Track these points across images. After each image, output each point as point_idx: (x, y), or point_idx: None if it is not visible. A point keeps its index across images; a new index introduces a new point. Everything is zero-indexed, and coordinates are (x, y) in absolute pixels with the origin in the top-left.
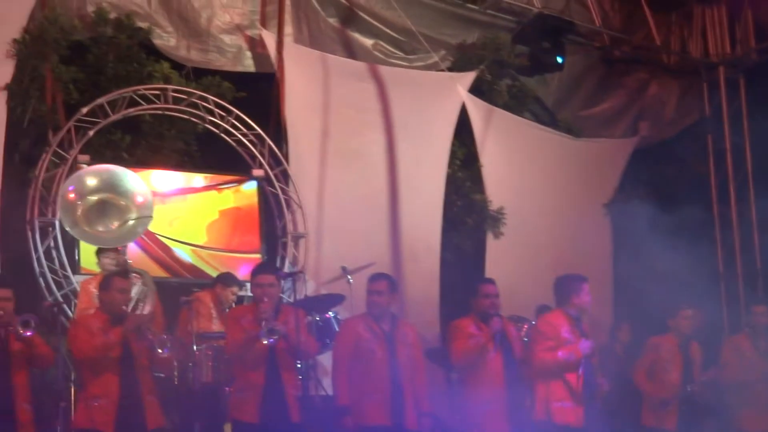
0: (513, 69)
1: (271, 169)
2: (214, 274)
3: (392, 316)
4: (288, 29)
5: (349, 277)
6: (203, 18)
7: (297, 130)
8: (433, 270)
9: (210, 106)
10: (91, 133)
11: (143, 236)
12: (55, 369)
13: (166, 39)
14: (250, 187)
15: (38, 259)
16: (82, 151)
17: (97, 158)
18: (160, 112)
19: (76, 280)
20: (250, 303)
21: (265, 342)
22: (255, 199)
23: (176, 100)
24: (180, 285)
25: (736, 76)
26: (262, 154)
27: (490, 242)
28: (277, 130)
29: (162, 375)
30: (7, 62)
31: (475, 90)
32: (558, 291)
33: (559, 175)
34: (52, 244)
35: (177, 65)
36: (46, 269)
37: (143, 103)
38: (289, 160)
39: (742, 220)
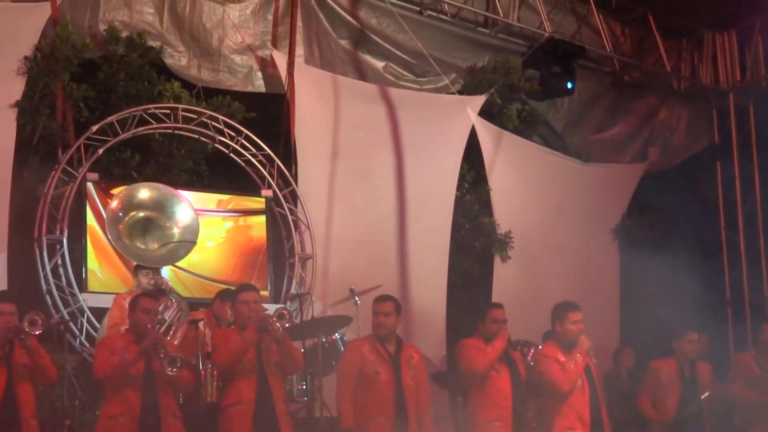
0: (523, 93)
1: (280, 189)
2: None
3: (397, 338)
4: (299, 50)
5: (356, 298)
6: (215, 38)
7: (306, 150)
8: (440, 293)
9: (220, 126)
10: (100, 151)
11: None
12: (61, 387)
13: (177, 58)
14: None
15: (45, 276)
16: (91, 169)
17: (106, 176)
18: (170, 131)
19: (82, 297)
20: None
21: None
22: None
23: (186, 120)
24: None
25: (746, 103)
26: (271, 175)
27: (498, 266)
28: (287, 151)
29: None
30: (18, 79)
31: (485, 113)
32: (551, 319)
33: (568, 199)
34: (59, 261)
35: (187, 85)
36: (53, 287)
37: (153, 122)
38: (297, 180)
39: (749, 247)
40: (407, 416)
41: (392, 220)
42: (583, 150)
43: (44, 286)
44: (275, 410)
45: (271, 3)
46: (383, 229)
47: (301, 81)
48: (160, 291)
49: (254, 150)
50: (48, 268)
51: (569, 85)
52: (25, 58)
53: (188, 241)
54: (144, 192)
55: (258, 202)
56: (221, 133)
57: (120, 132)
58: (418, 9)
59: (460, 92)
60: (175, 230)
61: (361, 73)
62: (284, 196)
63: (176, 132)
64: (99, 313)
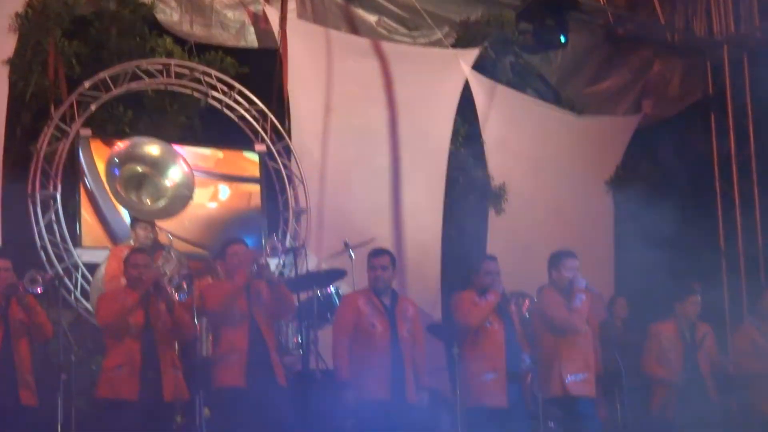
0: (517, 46)
1: (273, 144)
2: None
3: (393, 291)
4: (291, 5)
5: (351, 252)
6: None
7: (299, 105)
8: (435, 246)
9: (213, 81)
10: (93, 107)
11: None
12: (56, 342)
13: (169, 14)
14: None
15: (39, 232)
16: (84, 125)
17: (98, 132)
18: (162, 87)
19: (77, 253)
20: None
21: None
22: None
23: (179, 75)
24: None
25: (740, 54)
26: (265, 129)
27: (492, 219)
28: (280, 106)
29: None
30: (10, 36)
31: (479, 67)
32: (547, 268)
33: (562, 152)
34: (53, 217)
35: (180, 40)
36: (47, 242)
37: (146, 77)
38: (291, 135)
39: (743, 198)
40: (403, 369)
41: (386, 173)
42: (577, 103)
43: (38, 242)
44: (271, 358)
45: None
46: (377, 182)
47: (293, 36)
48: (157, 245)
49: (247, 105)
50: (42, 223)
51: (563, 39)
52: (17, 14)
53: (183, 196)
54: (149, 147)
55: (253, 163)
56: (214, 88)
57: (112, 88)
58: None
59: (454, 46)
60: (169, 185)
61: (354, 27)
62: (278, 151)
63: (169, 87)
64: (93, 268)
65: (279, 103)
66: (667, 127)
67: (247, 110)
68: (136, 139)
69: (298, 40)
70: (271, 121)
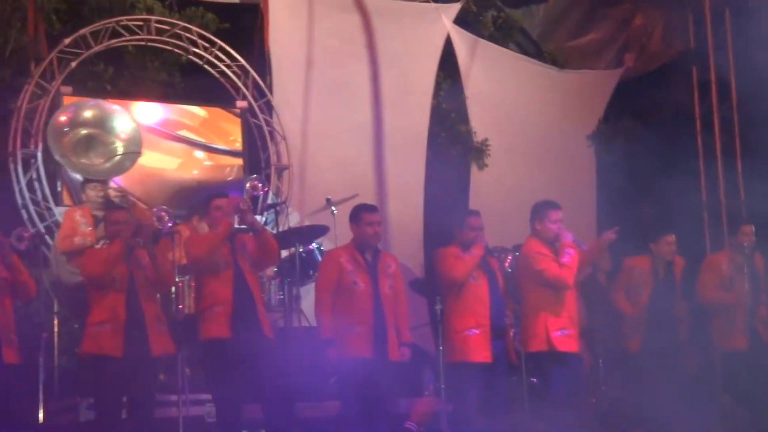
0: (498, 0)
1: (255, 100)
2: None
3: (375, 247)
4: None
5: (333, 208)
6: None
7: (281, 61)
8: (417, 201)
9: (193, 38)
10: (73, 64)
11: None
12: (37, 300)
13: None
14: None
15: (20, 190)
16: (64, 83)
17: (79, 89)
18: (143, 43)
19: (58, 211)
20: None
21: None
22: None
23: (159, 32)
24: None
25: (722, 7)
26: (246, 86)
27: (475, 174)
28: (261, 62)
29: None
30: None
31: (461, 21)
32: (530, 219)
33: (544, 106)
34: (34, 176)
35: None
36: (28, 201)
37: (126, 34)
38: (273, 91)
39: (725, 151)
40: (385, 325)
41: (368, 129)
42: (559, 57)
43: (19, 201)
44: (257, 310)
45: None
46: (359, 138)
47: None
48: (110, 203)
49: (228, 61)
50: (23, 182)
51: None
52: None
53: (133, 152)
54: (87, 111)
55: (236, 125)
56: (195, 44)
57: (93, 45)
58: None
59: (435, 0)
60: (118, 143)
61: None
62: (259, 107)
63: (149, 44)
64: None
65: (260, 59)
66: (649, 81)
67: (228, 66)
68: (74, 105)
69: None
70: (253, 78)
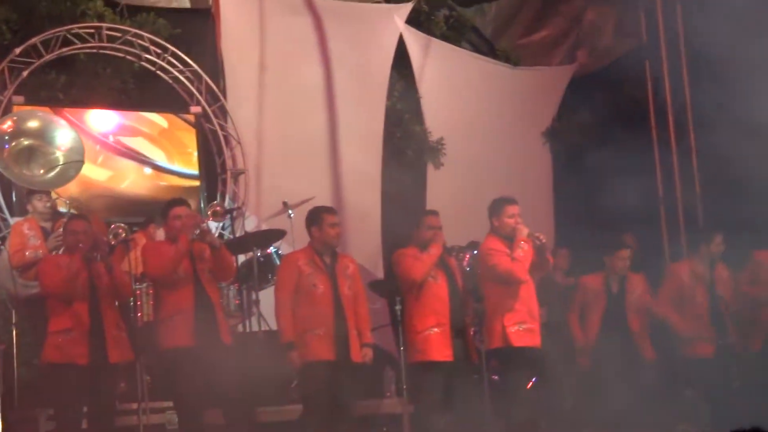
0: None
1: (209, 105)
2: None
3: (333, 249)
4: None
5: (290, 211)
6: None
7: (234, 65)
8: (374, 202)
9: (145, 44)
10: (24, 74)
11: None
12: None
13: None
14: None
15: None
16: (16, 92)
17: (31, 99)
18: (94, 50)
19: (13, 221)
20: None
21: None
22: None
23: (111, 39)
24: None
25: (673, 1)
26: (200, 91)
27: (431, 173)
28: (214, 67)
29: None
30: None
31: (413, 21)
32: (488, 215)
33: (499, 104)
34: None
35: (111, 2)
36: None
37: (77, 42)
38: (226, 95)
39: (680, 145)
40: (346, 327)
41: (323, 131)
42: (512, 54)
43: None
44: (216, 319)
45: None
46: (314, 141)
47: None
48: (57, 213)
49: (181, 66)
50: None
51: None
52: None
53: (75, 161)
54: (28, 122)
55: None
56: (147, 50)
57: (44, 53)
58: None
59: (387, 0)
60: (58, 154)
61: None
62: (213, 112)
63: (101, 51)
64: None
65: (213, 63)
66: (602, 76)
67: (181, 72)
68: (17, 115)
69: (230, 0)
70: (206, 82)
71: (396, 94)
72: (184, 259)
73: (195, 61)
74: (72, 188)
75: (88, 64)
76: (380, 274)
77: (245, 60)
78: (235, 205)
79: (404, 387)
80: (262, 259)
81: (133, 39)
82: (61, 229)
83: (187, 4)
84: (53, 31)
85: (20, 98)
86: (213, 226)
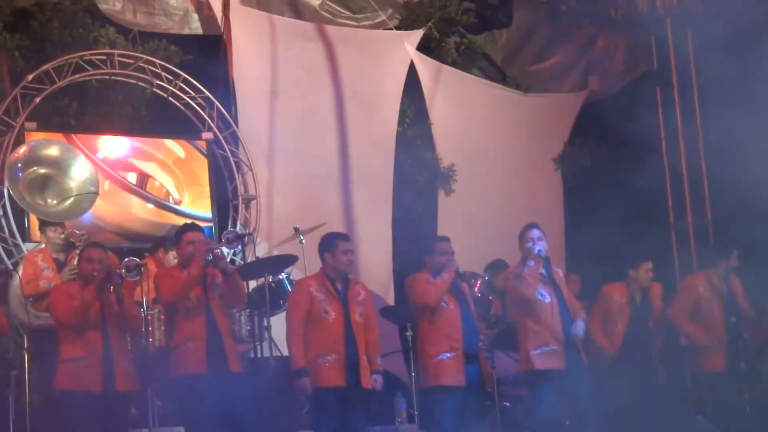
0: (461, 26)
1: (220, 131)
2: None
3: (345, 275)
4: None
5: (301, 237)
6: None
7: (245, 92)
8: (386, 228)
9: (157, 70)
10: (37, 100)
11: None
12: (7, 337)
13: (112, 3)
14: None
15: None
16: (28, 119)
17: (44, 125)
18: (106, 77)
19: (26, 248)
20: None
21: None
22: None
23: (123, 65)
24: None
25: (684, 28)
26: (211, 117)
27: (442, 200)
28: (226, 93)
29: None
30: None
31: (423, 48)
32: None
33: (509, 130)
34: (0, 212)
35: (123, 30)
36: None
37: (89, 68)
38: (238, 122)
39: (691, 172)
40: (357, 353)
41: (334, 157)
42: (523, 81)
43: None
44: (224, 345)
45: None
46: (326, 167)
47: (237, 22)
48: (70, 244)
49: (193, 93)
50: None
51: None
52: None
53: (90, 192)
54: (49, 149)
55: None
56: (159, 77)
57: (56, 80)
58: None
59: (398, 27)
60: (73, 185)
61: (298, 11)
62: (225, 138)
63: (113, 78)
64: None
65: (225, 90)
66: (613, 103)
67: (192, 98)
68: (35, 143)
69: (242, 27)
70: (218, 109)
71: (407, 121)
72: (196, 285)
73: (207, 88)
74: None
75: (101, 90)
76: (391, 300)
77: (257, 86)
78: (247, 231)
79: (416, 413)
80: (273, 284)
81: (145, 65)
82: (75, 261)
83: (199, 31)
84: (65, 57)
85: (32, 124)
86: (225, 251)
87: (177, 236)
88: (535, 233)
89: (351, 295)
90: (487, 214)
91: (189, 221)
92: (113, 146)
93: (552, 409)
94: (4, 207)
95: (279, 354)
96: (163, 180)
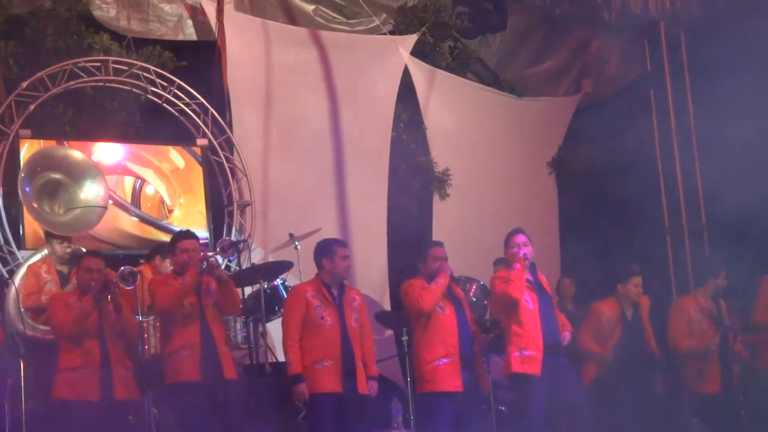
0: (455, 30)
1: (215, 137)
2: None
3: (341, 281)
4: None
5: (296, 243)
6: None
7: (240, 97)
8: (381, 233)
9: (151, 77)
10: (32, 107)
11: None
12: (3, 346)
13: (106, 10)
14: None
15: None
16: (23, 126)
17: (39, 132)
18: (101, 84)
19: (21, 255)
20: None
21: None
22: None
23: (117, 72)
24: (125, 257)
25: (677, 31)
26: (206, 123)
27: (437, 204)
28: (220, 99)
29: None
30: None
31: (417, 52)
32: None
33: (504, 134)
34: None
35: (117, 36)
36: None
37: (84, 75)
38: (232, 128)
39: (685, 175)
40: (353, 358)
41: (329, 163)
42: (517, 85)
43: None
44: (218, 352)
45: None
46: (320, 172)
47: (231, 28)
48: (75, 257)
49: (187, 99)
50: None
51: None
52: None
53: (98, 206)
54: (66, 158)
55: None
56: (153, 83)
57: (51, 87)
58: None
59: (392, 32)
60: (82, 196)
61: (292, 17)
62: (220, 144)
63: (108, 84)
64: None
65: (219, 96)
66: (608, 106)
67: (187, 104)
68: (55, 149)
69: (236, 33)
70: (212, 115)
71: (401, 125)
72: (190, 293)
73: (201, 94)
74: None
75: (95, 97)
76: (387, 305)
77: (251, 92)
78: (242, 237)
79: (411, 418)
80: (268, 291)
81: (140, 72)
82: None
83: (193, 37)
84: (60, 64)
85: (27, 132)
86: (219, 258)
87: (172, 244)
88: (520, 238)
89: (346, 300)
90: (482, 218)
91: (184, 230)
92: (108, 152)
93: (538, 412)
94: None
95: (275, 360)
96: (158, 186)
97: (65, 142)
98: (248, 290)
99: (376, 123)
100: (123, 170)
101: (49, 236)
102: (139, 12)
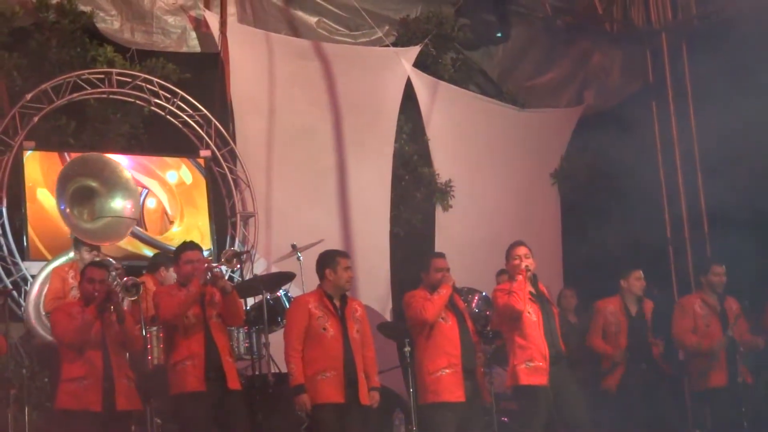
0: (457, 42)
1: (218, 149)
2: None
3: (344, 292)
4: (231, 9)
5: (299, 254)
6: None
7: (243, 109)
8: (383, 245)
9: (155, 89)
10: (35, 119)
11: None
12: (7, 356)
13: (110, 22)
14: None
15: None
16: (27, 138)
17: (42, 144)
18: (104, 95)
19: (25, 266)
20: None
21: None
22: None
23: (121, 84)
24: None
25: (679, 42)
26: (209, 135)
27: (439, 215)
28: (223, 110)
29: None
30: None
31: (420, 64)
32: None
33: (506, 145)
34: None
35: (121, 48)
36: None
37: (87, 87)
38: (236, 139)
39: (687, 185)
40: (355, 369)
41: (332, 174)
42: (520, 96)
43: None
44: (222, 363)
45: None
46: (323, 184)
47: (234, 40)
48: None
49: (191, 111)
50: None
51: (498, 34)
52: None
53: (126, 218)
54: (105, 168)
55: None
56: (156, 95)
57: (54, 99)
58: None
59: (394, 44)
60: (112, 206)
61: (295, 29)
62: (223, 156)
63: (111, 96)
64: None
65: (222, 107)
66: (610, 117)
67: (190, 116)
68: (100, 159)
69: (239, 45)
70: (216, 126)
71: (404, 137)
72: (194, 304)
73: (204, 106)
74: None
75: (99, 109)
76: (389, 316)
77: (254, 104)
78: (245, 249)
79: (414, 429)
80: (271, 302)
81: (143, 84)
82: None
83: (196, 49)
84: (64, 76)
85: (31, 143)
86: (223, 269)
87: (176, 255)
88: (521, 250)
89: (348, 311)
90: (485, 229)
91: (188, 241)
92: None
93: (540, 423)
94: (2, 226)
95: (278, 371)
96: (161, 197)
97: (67, 154)
98: (251, 301)
99: (379, 134)
100: None
101: (78, 243)
102: (143, 24)
